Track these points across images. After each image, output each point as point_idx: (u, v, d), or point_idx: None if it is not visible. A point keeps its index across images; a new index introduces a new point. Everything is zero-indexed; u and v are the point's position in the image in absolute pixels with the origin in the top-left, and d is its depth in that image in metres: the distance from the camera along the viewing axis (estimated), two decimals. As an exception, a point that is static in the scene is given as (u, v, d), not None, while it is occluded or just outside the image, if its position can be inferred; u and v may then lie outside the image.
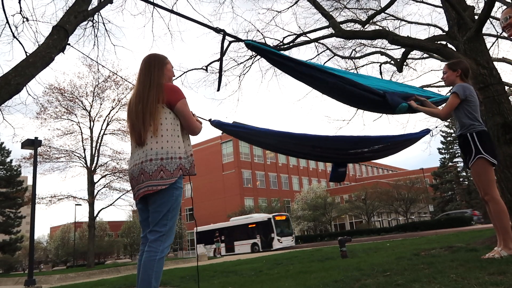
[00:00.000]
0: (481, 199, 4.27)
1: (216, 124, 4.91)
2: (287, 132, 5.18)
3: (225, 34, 4.34)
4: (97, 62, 8.29)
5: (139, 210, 3.06)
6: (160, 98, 2.97)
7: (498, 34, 13.35)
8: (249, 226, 35.54)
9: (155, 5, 4.92)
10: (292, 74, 4.72)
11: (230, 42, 8.43)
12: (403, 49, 9.45)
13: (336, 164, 5.49)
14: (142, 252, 2.92)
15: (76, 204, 34.13)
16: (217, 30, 4.30)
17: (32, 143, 13.78)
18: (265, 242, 33.48)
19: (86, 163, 28.31)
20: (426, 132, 5.78)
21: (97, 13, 7.68)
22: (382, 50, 12.87)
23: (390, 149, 5.60)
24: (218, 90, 4.84)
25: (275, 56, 4.46)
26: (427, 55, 13.30)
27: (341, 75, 4.61)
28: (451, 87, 4.65)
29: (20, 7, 7.58)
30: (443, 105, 4.77)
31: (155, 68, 3.10)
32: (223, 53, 4.70)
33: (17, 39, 7.48)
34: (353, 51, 13.49)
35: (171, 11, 4.76)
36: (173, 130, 2.98)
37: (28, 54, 5.39)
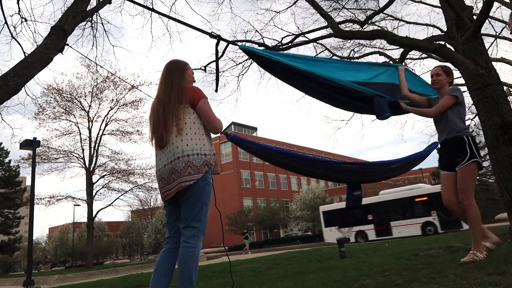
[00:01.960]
0: (460, 202, 4.16)
1: (232, 138, 4.91)
2: (302, 154, 5.26)
3: (219, 39, 4.34)
4: (95, 63, 8.29)
5: (168, 211, 3.12)
6: (182, 99, 3.05)
7: (497, 34, 13.37)
8: (416, 200, 26.17)
9: (153, 10, 4.92)
10: (282, 79, 4.74)
11: (228, 43, 8.42)
12: (401, 50, 9.45)
13: (350, 188, 5.49)
14: (166, 249, 3.02)
15: (74, 205, 34.08)
16: (212, 35, 4.30)
17: (30, 144, 13.76)
18: (446, 221, 24.23)
19: (84, 163, 28.28)
20: (435, 146, 5.84)
21: (95, 14, 7.67)
22: (381, 51, 12.88)
23: (402, 169, 5.64)
24: (216, 91, 4.87)
25: (267, 62, 4.46)
26: (426, 55, 13.32)
27: (333, 79, 4.57)
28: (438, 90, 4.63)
29: (19, 8, 7.56)
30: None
31: (176, 72, 3.19)
32: (218, 56, 4.70)
33: (15, 39, 7.46)
34: (352, 51, 13.49)
35: (168, 16, 4.77)
36: (197, 128, 3.04)
37: (26, 55, 5.37)
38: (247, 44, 10.03)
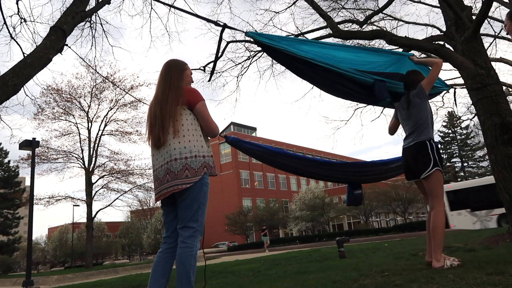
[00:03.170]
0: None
1: (232, 141, 4.89)
2: (301, 155, 5.25)
3: (225, 27, 4.34)
4: (93, 68, 8.28)
5: (164, 211, 3.11)
6: (180, 100, 3.03)
7: (496, 34, 13.38)
8: None
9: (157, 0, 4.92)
10: (290, 68, 4.71)
11: (228, 43, 8.41)
12: (400, 50, 9.45)
13: (351, 187, 5.49)
14: (163, 249, 3.00)
15: (74, 205, 34.08)
16: (217, 24, 4.30)
17: (29, 144, 13.74)
18: None
19: (84, 164, 28.28)
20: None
21: (94, 14, 7.67)
22: (380, 51, 12.86)
23: (401, 168, 5.65)
24: (210, 80, 4.91)
25: (274, 51, 4.42)
26: (425, 56, 13.31)
27: (337, 69, 4.50)
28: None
29: (18, 8, 7.56)
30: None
31: (174, 72, 3.18)
32: (221, 49, 4.72)
33: (14, 40, 7.45)
34: (351, 52, 13.47)
35: (171, 6, 4.77)
36: (194, 130, 3.02)
37: (25, 55, 5.37)
38: (246, 44, 10.02)
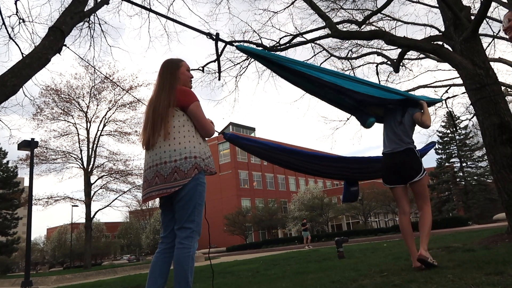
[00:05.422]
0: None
1: (230, 137, 4.89)
2: (300, 150, 5.25)
3: (217, 39, 4.33)
4: (93, 66, 8.28)
5: (162, 211, 3.09)
6: (171, 102, 2.99)
7: (495, 34, 13.39)
8: None
9: (150, 10, 4.93)
10: (281, 76, 4.72)
11: (226, 44, 8.41)
12: (399, 50, 9.46)
13: (348, 183, 5.49)
14: (160, 250, 2.98)
15: (72, 205, 34.04)
16: (210, 36, 4.28)
17: (28, 144, 13.74)
18: None
19: (82, 164, 28.27)
20: (432, 145, 5.84)
21: (93, 14, 7.66)
22: (379, 51, 12.88)
23: None
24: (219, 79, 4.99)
25: (264, 59, 4.43)
26: (424, 56, 13.33)
27: (325, 78, 4.44)
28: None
29: (16, 8, 7.55)
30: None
31: (167, 73, 3.15)
32: (219, 54, 4.74)
33: (13, 40, 7.44)
34: (350, 52, 13.49)
35: (166, 17, 4.77)
36: (187, 131, 2.98)
37: (24, 55, 5.36)
38: (245, 44, 10.03)
